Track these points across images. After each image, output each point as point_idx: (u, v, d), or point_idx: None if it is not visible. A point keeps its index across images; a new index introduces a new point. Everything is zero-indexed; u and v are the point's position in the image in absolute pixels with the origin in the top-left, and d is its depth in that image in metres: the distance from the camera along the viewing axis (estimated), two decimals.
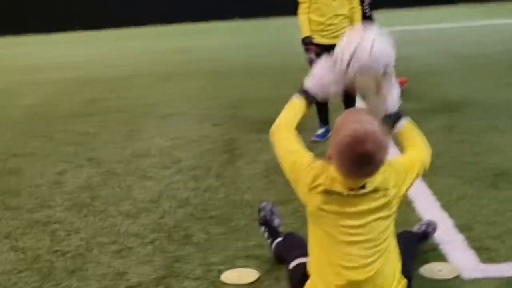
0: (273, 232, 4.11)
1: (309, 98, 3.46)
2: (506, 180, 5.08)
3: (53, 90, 9.71)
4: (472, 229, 4.31)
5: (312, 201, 3.14)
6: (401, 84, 8.69)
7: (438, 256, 4.02)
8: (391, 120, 3.38)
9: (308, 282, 3.25)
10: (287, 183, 5.27)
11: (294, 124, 3.42)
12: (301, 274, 3.32)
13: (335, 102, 6.91)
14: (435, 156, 5.63)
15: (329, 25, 6.31)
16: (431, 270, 3.84)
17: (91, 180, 5.72)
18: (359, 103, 6.81)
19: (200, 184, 5.46)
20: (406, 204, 4.73)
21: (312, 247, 3.24)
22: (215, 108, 7.91)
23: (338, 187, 3.07)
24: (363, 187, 3.06)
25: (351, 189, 3.06)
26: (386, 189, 3.09)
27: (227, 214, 4.82)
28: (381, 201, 3.09)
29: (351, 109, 3.15)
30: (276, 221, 4.18)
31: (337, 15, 6.30)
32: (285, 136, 3.38)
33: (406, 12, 9.44)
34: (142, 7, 16.98)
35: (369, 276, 3.09)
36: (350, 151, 2.92)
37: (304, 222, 4.51)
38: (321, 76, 3.45)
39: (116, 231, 4.66)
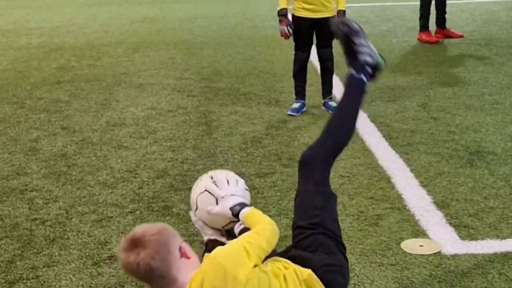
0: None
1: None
2: (482, 158, 5.15)
3: (19, 56, 9.54)
4: (450, 206, 4.38)
5: None
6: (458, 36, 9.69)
7: (418, 231, 4.08)
8: (236, 215, 2.98)
9: None
10: (265, 156, 5.35)
11: None
12: None
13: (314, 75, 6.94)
14: (410, 132, 5.77)
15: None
16: (412, 245, 3.90)
17: (66, 149, 5.66)
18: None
19: (177, 155, 5.44)
20: (385, 181, 4.79)
21: None
22: (186, 80, 7.86)
23: None
24: None
25: None
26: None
27: None
28: None
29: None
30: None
31: None
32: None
33: None
34: None
35: None
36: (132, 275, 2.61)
37: (282, 195, 4.58)
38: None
39: (95, 201, 4.63)
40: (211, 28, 11.31)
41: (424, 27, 9.66)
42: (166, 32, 11.07)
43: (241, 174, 4.90)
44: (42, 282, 3.64)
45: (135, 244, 2.52)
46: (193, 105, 6.80)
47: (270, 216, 4.16)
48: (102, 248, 3.97)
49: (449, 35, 9.75)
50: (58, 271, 3.73)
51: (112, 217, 4.37)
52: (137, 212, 4.42)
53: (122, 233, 4.13)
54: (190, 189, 4.67)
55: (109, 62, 8.96)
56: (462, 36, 9.72)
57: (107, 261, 3.81)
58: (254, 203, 4.45)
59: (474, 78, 7.50)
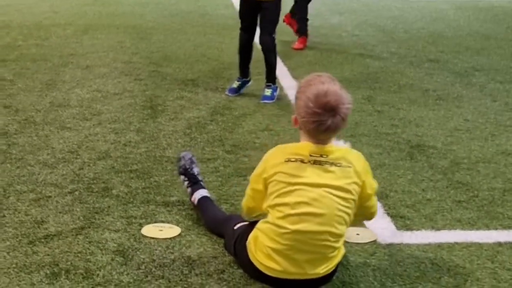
0: (193, 180, 4.18)
1: None
2: (422, 152, 5.24)
3: None
4: (389, 197, 4.44)
5: (274, 175, 3.23)
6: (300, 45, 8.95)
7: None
8: None
9: (251, 234, 3.37)
10: (209, 142, 5.35)
11: None
12: (245, 232, 3.47)
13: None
14: (354, 124, 5.83)
15: None
16: (348, 233, 3.93)
17: (8, 127, 5.58)
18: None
19: (120, 137, 5.41)
20: None
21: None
22: (135, 63, 7.80)
23: (298, 152, 3.20)
24: (327, 156, 3.20)
25: (314, 155, 3.19)
26: (349, 163, 3.23)
27: (148, 169, 4.80)
28: (342, 181, 3.20)
29: (313, 73, 3.32)
30: (195, 170, 4.24)
31: None
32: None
33: None
34: None
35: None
36: (315, 103, 3.10)
37: (223, 181, 4.59)
38: None
39: (34, 180, 4.57)
40: (162, 14, 11.24)
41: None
42: (117, 16, 10.97)
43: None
44: None
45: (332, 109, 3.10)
46: (140, 89, 6.76)
47: None
48: (39, 227, 3.92)
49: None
50: None
51: (50, 196, 4.32)
52: (76, 193, 4.39)
53: (60, 213, 4.10)
54: (131, 171, 4.72)
55: (57, 43, 8.85)
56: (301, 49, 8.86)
57: (42, 240, 3.77)
58: None
59: (420, 74, 7.61)
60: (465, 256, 3.73)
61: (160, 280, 3.42)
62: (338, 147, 3.29)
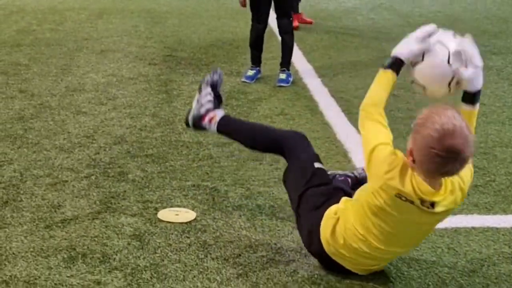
0: (218, 99, 4.06)
1: (399, 66, 3.34)
2: None
3: None
4: None
5: (380, 197, 3.04)
6: (307, 22, 8.98)
7: None
8: (472, 98, 3.30)
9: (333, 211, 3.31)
10: None
11: (384, 101, 3.29)
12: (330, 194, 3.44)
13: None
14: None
15: None
16: None
17: (23, 112, 5.59)
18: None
19: (135, 122, 5.41)
20: (342, 155, 4.84)
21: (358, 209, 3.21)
22: (149, 48, 7.80)
23: (411, 195, 2.97)
24: (432, 205, 3.00)
25: (422, 202, 2.99)
26: (452, 209, 3.11)
27: (164, 154, 4.81)
28: (441, 215, 3.11)
29: (435, 104, 2.97)
30: (219, 90, 4.12)
31: None
32: (373, 116, 3.26)
33: None
34: None
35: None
36: (438, 145, 2.81)
37: (239, 166, 4.59)
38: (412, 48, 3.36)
39: (50, 164, 4.59)
40: None
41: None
42: (129, 0, 10.95)
43: (199, 143, 4.95)
44: None
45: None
46: (155, 73, 6.76)
47: (225, 185, 4.24)
48: (55, 211, 3.94)
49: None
50: (10, 233, 3.70)
51: (67, 181, 4.34)
52: (93, 177, 4.40)
53: (76, 197, 4.11)
54: (147, 156, 4.72)
55: (72, 27, 8.85)
56: (311, 23, 9.09)
57: (59, 224, 3.79)
58: (210, 172, 4.47)
59: None
60: (482, 241, 3.72)
61: (177, 264, 3.43)
62: (449, 189, 3.01)
